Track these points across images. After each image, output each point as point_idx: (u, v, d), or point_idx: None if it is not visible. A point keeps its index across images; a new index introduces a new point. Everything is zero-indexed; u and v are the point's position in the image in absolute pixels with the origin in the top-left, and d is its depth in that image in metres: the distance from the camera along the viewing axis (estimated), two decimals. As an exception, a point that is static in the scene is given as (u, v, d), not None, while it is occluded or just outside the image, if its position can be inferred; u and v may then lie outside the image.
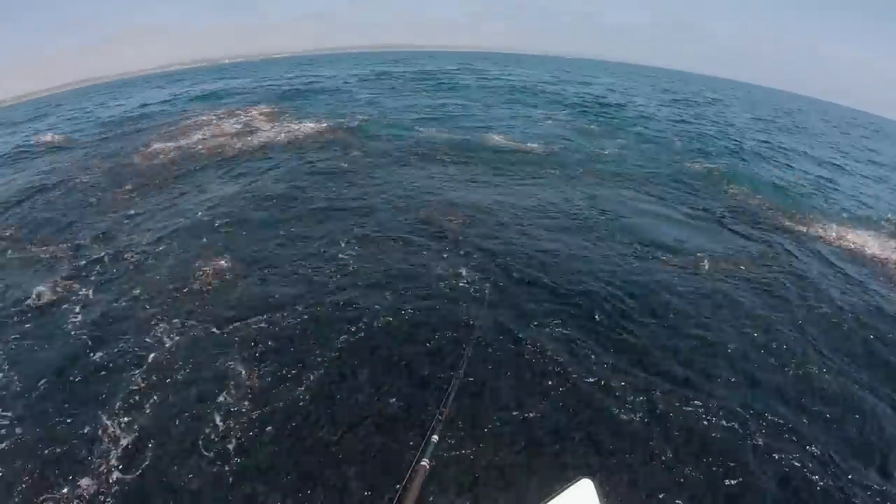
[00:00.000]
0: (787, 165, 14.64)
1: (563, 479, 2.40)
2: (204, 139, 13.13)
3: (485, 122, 15.78)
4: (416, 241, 6.80)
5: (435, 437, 1.93)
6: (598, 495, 2.23)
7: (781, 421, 4.28)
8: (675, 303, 5.81)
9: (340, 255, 6.42)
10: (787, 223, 9.23)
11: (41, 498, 3.37)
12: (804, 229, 9.02)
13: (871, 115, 65.57)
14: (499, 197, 8.73)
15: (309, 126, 14.28)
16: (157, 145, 12.71)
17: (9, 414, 4.08)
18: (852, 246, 8.53)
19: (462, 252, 6.50)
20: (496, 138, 13.42)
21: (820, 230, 9.06)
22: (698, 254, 7.21)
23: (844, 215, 10.36)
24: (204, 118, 16.54)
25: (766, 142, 18.36)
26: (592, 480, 2.28)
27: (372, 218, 7.61)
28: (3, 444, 3.81)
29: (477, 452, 3.72)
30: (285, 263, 6.25)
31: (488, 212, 7.94)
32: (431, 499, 3.27)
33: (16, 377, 4.52)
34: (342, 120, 15.08)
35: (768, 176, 12.73)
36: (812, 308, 6.11)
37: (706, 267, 6.85)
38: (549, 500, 2.21)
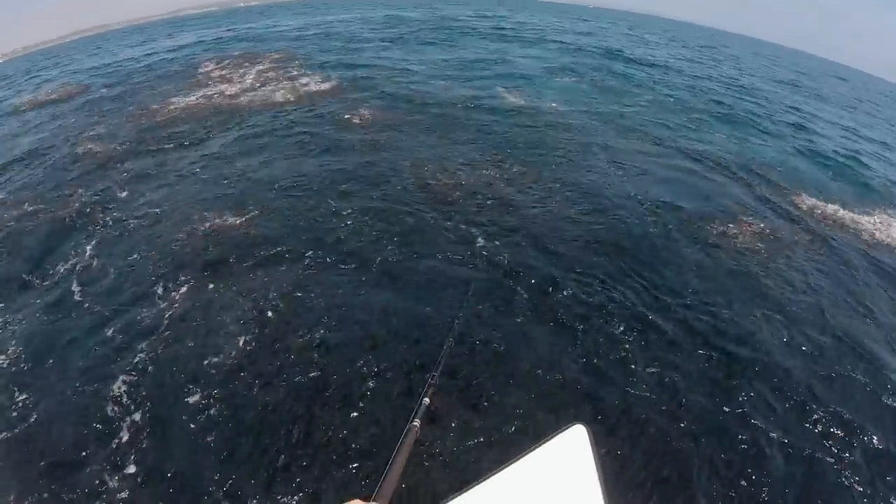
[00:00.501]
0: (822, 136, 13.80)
1: (557, 426, 2.48)
2: (210, 94, 12.83)
3: (501, 76, 15.06)
4: (424, 211, 6.65)
5: (426, 400, 2.04)
6: (591, 441, 2.29)
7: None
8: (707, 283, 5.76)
9: (343, 215, 6.42)
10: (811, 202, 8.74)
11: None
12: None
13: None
14: (508, 168, 8.29)
15: (317, 79, 13.85)
16: (160, 102, 12.44)
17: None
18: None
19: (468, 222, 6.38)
20: (511, 98, 12.73)
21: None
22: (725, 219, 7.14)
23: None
24: (212, 69, 16.21)
25: (794, 108, 17.53)
26: (585, 426, 2.33)
27: (379, 189, 7.30)
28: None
29: (469, 399, 3.91)
30: (293, 218, 6.27)
31: (498, 181, 7.67)
32: (425, 453, 3.47)
33: (21, 346, 4.67)
34: (350, 73, 14.61)
35: (796, 148, 12.05)
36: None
37: (734, 232, 6.74)
38: (541, 445, 2.29)
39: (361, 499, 1.16)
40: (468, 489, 2.07)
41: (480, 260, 5.53)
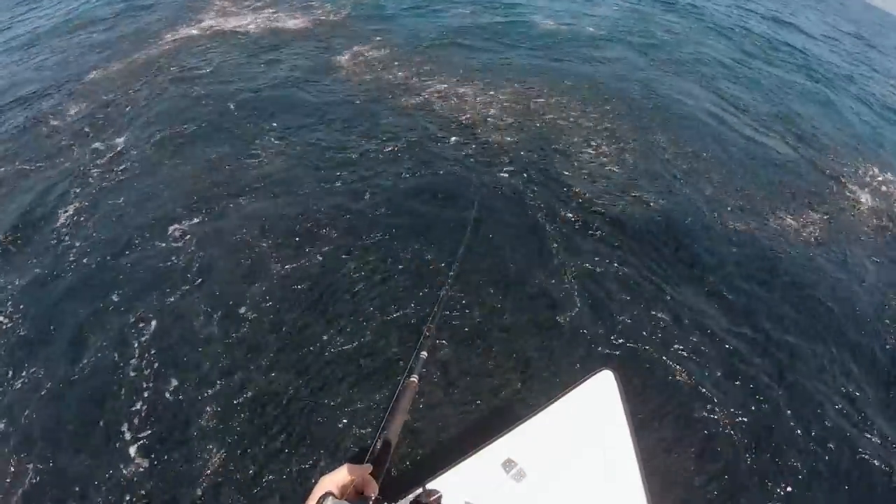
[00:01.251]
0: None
1: (584, 371, 2.49)
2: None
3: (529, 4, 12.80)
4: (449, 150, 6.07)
5: (424, 353, 1.97)
6: (619, 385, 2.31)
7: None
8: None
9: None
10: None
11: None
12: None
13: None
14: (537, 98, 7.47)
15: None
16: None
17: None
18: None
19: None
20: (547, 22, 11.11)
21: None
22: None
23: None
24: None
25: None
26: (613, 371, 2.34)
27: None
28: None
29: (491, 340, 3.82)
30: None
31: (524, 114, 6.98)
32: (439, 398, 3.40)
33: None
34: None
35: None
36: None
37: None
38: (569, 391, 2.31)
39: (355, 462, 1.09)
40: (502, 434, 2.11)
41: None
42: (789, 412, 3.66)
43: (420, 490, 1.31)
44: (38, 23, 12.94)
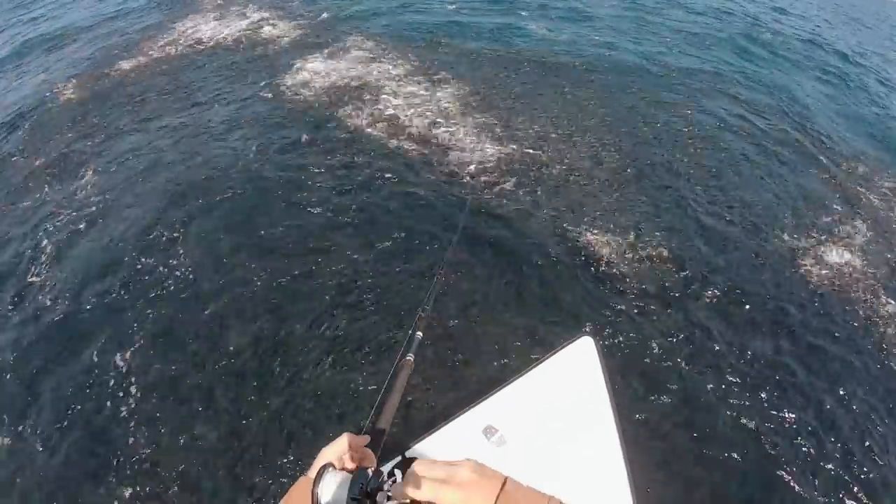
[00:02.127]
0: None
1: (563, 338, 2.49)
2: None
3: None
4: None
5: (419, 334, 1.99)
6: (598, 351, 2.31)
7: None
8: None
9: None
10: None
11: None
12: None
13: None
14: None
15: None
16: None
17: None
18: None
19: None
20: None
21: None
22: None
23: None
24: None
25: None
26: (592, 337, 2.35)
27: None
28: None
29: (473, 312, 3.90)
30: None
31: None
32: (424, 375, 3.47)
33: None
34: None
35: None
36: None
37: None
38: (549, 357, 2.31)
39: (353, 433, 1.10)
40: (481, 400, 2.11)
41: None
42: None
43: (399, 458, 1.27)
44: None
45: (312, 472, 0.94)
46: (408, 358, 1.82)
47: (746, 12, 12.45)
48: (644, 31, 10.04)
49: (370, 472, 0.92)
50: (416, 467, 0.82)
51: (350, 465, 1.04)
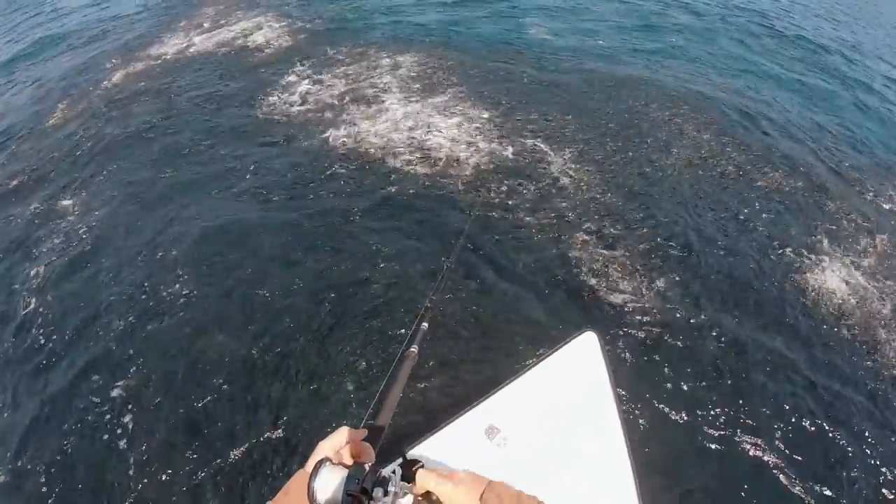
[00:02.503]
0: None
1: (567, 333, 2.45)
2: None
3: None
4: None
5: (424, 325, 1.96)
6: (602, 346, 2.27)
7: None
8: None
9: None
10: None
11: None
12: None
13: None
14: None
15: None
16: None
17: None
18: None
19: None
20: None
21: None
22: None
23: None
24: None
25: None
26: (595, 332, 2.30)
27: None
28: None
29: (478, 309, 3.89)
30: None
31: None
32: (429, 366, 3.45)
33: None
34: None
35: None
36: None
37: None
38: (553, 352, 2.27)
39: (352, 426, 1.10)
40: (483, 399, 2.06)
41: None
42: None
43: (401, 459, 1.25)
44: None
45: (309, 466, 0.94)
46: (412, 349, 1.78)
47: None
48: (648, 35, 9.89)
49: (367, 467, 0.92)
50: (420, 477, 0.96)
51: (347, 460, 1.03)
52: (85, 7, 14.11)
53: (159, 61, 8.97)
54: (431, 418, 3.04)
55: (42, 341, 4.09)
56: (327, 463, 0.92)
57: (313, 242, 4.66)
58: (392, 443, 2.91)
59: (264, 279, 4.30)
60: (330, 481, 0.90)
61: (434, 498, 0.96)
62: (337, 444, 1.03)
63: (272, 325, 3.91)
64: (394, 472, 1.00)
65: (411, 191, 5.21)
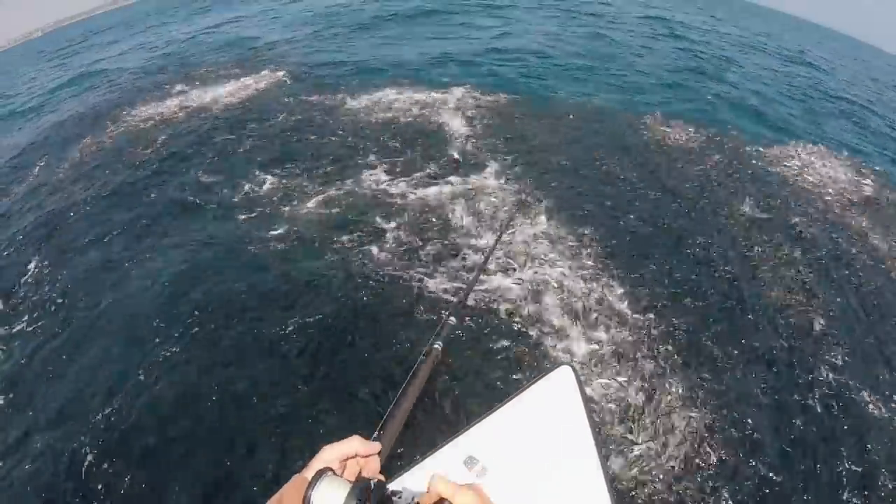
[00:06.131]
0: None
1: (543, 368, 2.51)
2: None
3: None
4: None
5: (452, 319, 1.93)
6: (577, 380, 2.33)
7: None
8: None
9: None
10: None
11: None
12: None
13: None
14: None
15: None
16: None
17: None
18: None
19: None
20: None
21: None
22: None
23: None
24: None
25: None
26: (571, 366, 2.37)
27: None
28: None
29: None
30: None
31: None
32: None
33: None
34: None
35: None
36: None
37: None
38: (530, 386, 2.32)
39: (363, 437, 1.01)
40: (462, 432, 2.09)
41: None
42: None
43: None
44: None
45: (309, 472, 0.85)
46: (436, 346, 1.67)
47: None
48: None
49: (373, 483, 0.84)
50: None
51: (352, 473, 0.96)
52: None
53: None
54: (405, 448, 3.02)
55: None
56: (329, 473, 0.83)
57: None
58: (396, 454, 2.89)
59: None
60: (330, 495, 0.80)
61: None
62: (344, 453, 0.94)
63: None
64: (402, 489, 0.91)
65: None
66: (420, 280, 4.33)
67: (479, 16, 15.39)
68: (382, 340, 3.92)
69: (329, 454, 0.92)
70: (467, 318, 3.85)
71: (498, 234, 3.96)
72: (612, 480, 1.99)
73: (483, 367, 3.71)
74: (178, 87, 10.44)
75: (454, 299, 2.16)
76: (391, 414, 1.35)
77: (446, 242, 4.96)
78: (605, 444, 3.08)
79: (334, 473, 0.84)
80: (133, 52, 16.28)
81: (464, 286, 2.37)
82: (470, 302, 3.89)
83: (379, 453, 1.03)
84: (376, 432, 1.11)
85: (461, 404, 3.45)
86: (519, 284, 4.25)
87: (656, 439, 3.30)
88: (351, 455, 0.95)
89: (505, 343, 3.82)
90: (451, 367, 3.59)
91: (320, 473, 0.82)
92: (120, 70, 13.48)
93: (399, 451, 2.99)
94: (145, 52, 15.43)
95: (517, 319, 3.98)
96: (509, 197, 5.83)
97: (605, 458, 2.06)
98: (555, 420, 2.20)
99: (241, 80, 10.47)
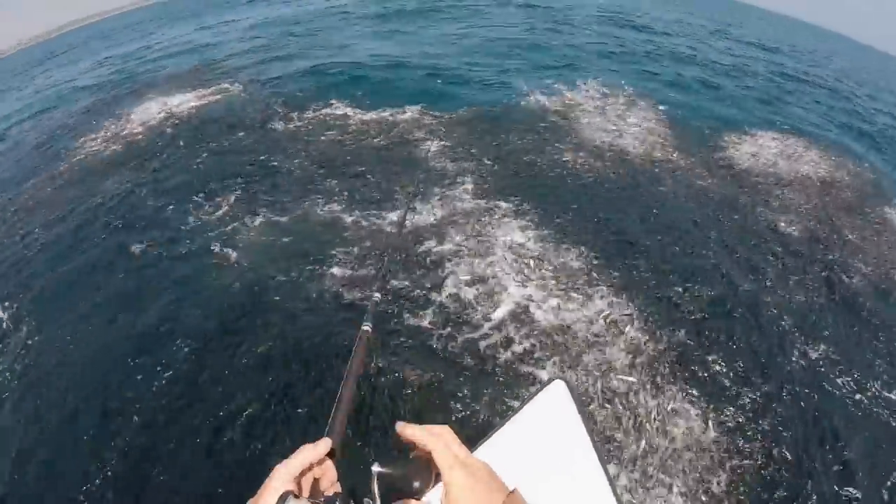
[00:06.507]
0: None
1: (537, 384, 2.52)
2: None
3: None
4: None
5: (377, 296, 1.84)
6: (571, 393, 2.34)
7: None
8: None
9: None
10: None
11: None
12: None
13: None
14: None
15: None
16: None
17: None
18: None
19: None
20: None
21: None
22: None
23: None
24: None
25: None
26: (563, 380, 2.38)
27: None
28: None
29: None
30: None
31: None
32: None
33: None
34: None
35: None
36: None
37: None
38: (524, 406, 2.31)
39: (311, 441, 0.94)
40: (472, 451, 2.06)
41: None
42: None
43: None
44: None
45: (267, 499, 0.77)
46: (364, 328, 1.57)
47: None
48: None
49: (339, 500, 0.80)
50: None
51: (307, 488, 0.89)
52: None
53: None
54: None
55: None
56: (290, 498, 0.76)
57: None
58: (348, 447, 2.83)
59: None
60: None
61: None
62: (296, 468, 0.86)
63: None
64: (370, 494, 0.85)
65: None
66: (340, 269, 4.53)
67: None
68: (323, 341, 4.06)
69: (283, 473, 0.83)
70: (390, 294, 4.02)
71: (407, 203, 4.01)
72: (620, 494, 1.97)
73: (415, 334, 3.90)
74: (130, 105, 10.71)
75: (375, 273, 2.19)
76: (337, 405, 1.30)
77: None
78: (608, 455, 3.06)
79: (296, 496, 0.77)
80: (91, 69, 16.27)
81: (383, 261, 2.40)
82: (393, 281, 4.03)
83: (332, 451, 0.96)
84: (327, 428, 1.04)
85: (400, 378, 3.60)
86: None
87: (653, 442, 3.31)
88: (305, 466, 0.88)
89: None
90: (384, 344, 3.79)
91: (283, 499, 0.75)
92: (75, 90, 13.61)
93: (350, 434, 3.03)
94: (102, 69, 15.40)
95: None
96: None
97: (607, 469, 2.06)
98: (554, 436, 2.19)
99: (194, 92, 10.82)
